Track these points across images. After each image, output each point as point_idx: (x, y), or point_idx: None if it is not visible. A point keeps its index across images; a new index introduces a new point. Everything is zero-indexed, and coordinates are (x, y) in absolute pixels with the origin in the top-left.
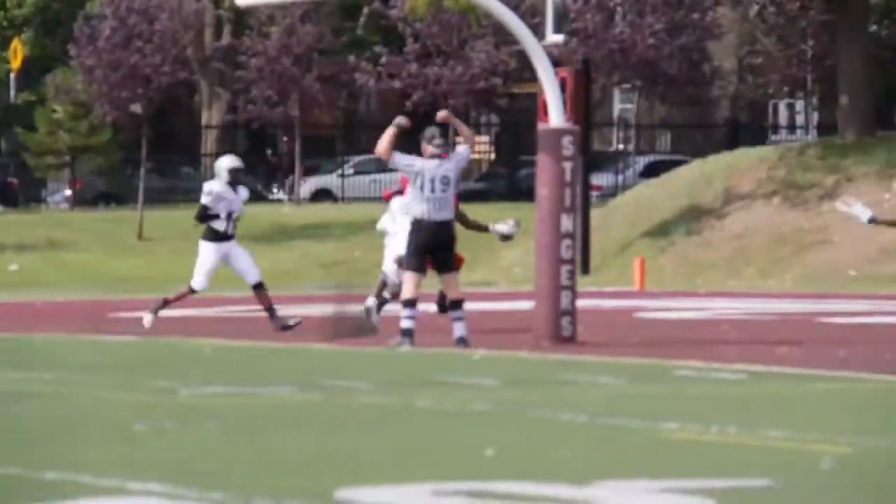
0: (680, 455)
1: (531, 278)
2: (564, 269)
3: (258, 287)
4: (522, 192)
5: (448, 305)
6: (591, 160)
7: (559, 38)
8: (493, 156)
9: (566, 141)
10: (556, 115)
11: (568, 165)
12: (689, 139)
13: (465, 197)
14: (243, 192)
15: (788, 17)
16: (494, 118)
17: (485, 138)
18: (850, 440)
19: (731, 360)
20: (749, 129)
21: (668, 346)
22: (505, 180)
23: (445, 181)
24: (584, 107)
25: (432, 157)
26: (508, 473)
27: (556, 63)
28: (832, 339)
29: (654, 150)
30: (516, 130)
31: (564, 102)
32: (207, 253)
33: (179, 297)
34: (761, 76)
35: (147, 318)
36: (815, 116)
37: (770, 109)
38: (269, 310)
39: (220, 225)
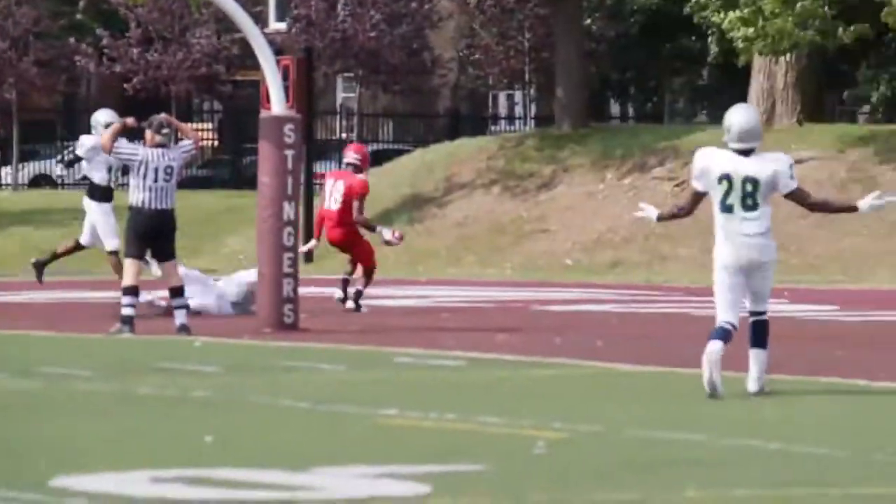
0: (398, 441)
1: (256, 266)
2: (286, 256)
3: (79, 248)
4: (247, 180)
5: (169, 293)
6: (315, 148)
7: (281, 25)
8: (216, 143)
9: (288, 129)
10: (277, 103)
11: (290, 153)
12: (411, 128)
13: (189, 184)
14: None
15: (506, 9)
16: (218, 105)
17: (208, 125)
18: (563, 425)
19: (450, 347)
20: (469, 119)
21: (388, 333)
22: (229, 168)
23: (169, 171)
24: (307, 95)
25: (157, 146)
26: (228, 460)
27: (279, 51)
28: (549, 327)
29: (377, 139)
30: (240, 118)
31: (287, 90)
32: (101, 213)
33: (117, 269)
34: (481, 68)
35: (149, 298)
36: (533, 108)
37: (490, 100)
38: (54, 257)
39: (101, 180)
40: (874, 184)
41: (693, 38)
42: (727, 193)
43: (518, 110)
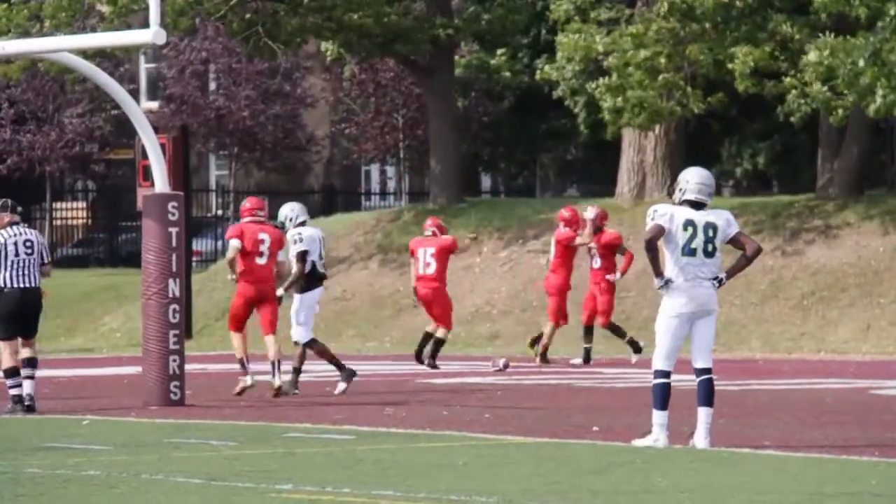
0: None
1: (133, 343)
2: (172, 333)
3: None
4: (122, 258)
5: (21, 361)
6: (191, 226)
7: (154, 104)
8: (90, 221)
9: (171, 206)
10: (160, 181)
11: (174, 231)
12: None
13: (63, 263)
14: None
15: (380, 85)
16: (91, 184)
17: (82, 204)
18: (458, 498)
19: (338, 421)
20: (343, 194)
21: (275, 408)
22: (104, 245)
23: (28, 245)
24: (184, 173)
25: (12, 224)
26: None
27: (153, 129)
28: (434, 399)
29: None
30: (114, 196)
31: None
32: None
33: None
34: (355, 143)
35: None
36: (406, 182)
37: (362, 175)
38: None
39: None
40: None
41: (563, 120)
42: (691, 238)
43: (391, 185)
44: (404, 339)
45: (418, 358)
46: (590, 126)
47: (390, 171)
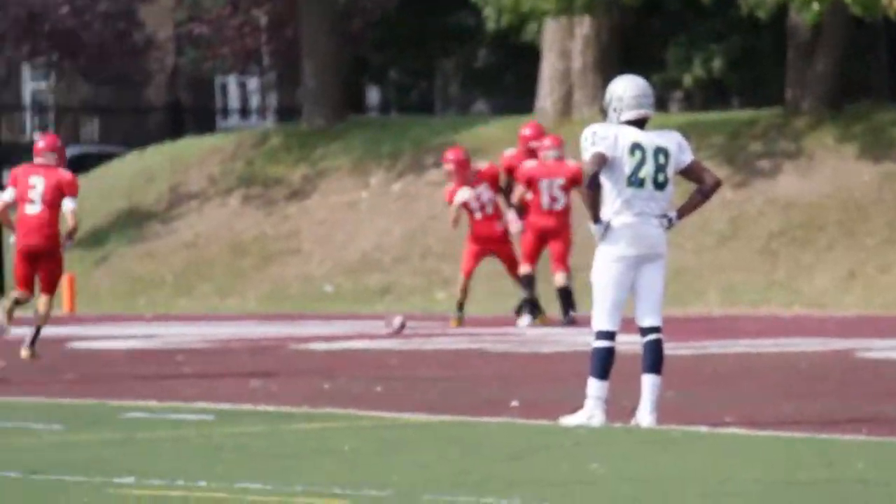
0: None
1: None
2: None
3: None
4: None
5: None
6: (1, 153)
7: None
8: None
9: None
10: None
11: None
12: (123, 126)
13: None
14: None
15: None
16: None
17: None
18: (344, 490)
19: (191, 397)
20: (194, 112)
21: (112, 382)
22: None
23: None
24: None
25: None
26: None
27: None
28: (312, 370)
29: (78, 140)
30: None
31: None
32: None
33: None
34: (207, 48)
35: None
36: (273, 98)
37: (218, 89)
38: None
39: None
40: None
41: (468, 15)
42: (640, 165)
43: (254, 101)
44: (273, 295)
45: (519, 313)
46: (501, 22)
47: (252, 83)
